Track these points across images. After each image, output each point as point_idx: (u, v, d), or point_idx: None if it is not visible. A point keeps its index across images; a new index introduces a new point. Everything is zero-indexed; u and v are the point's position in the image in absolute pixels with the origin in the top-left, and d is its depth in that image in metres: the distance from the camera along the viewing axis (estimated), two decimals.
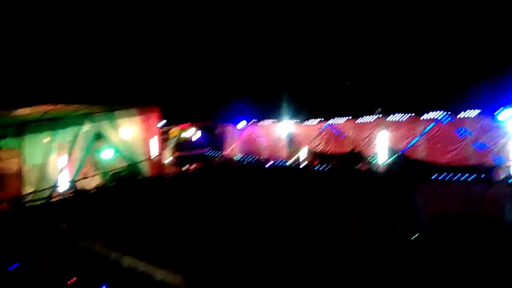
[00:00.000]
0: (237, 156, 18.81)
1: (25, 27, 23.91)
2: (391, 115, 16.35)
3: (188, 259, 6.98)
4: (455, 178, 13.64)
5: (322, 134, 17.89)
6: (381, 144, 16.36)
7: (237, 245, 7.61)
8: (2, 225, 9.46)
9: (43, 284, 7.63)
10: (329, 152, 17.64)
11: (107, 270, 7.57)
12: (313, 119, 18.29)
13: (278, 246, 7.93)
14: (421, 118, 15.59)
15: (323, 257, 8.24)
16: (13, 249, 8.33)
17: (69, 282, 7.38)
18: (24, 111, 14.96)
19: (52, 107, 15.05)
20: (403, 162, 15.48)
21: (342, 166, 15.71)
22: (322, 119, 17.99)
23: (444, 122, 15.00)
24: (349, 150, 16.95)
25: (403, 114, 16.09)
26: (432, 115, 15.38)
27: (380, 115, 16.98)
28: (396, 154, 16.00)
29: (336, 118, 17.64)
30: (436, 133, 15.38)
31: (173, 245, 7.54)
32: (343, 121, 17.48)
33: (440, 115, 15.12)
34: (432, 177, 13.19)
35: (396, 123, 16.19)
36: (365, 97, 21.77)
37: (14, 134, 12.68)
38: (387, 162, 15.99)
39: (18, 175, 12.65)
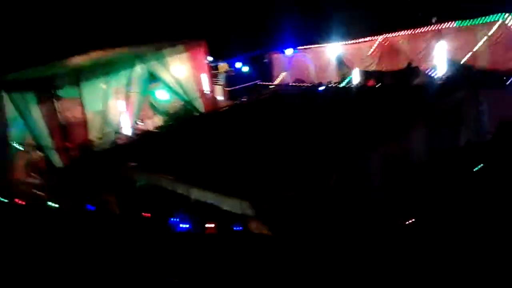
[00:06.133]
0: (288, 84, 18.58)
1: None
2: (448, 23, 15.27)
3: (254, 187, 7.16)
4: None
5: (374, 52, 17.09)
6: (439, 55, 15.46)
7: (301, 175, 7.67)
8: (74, 171, 10.14)
9: (114, 223, 8.15)
10: (383, 70, 16.93)
11: (176, 203, 7.96)
12: (362, 38, 17.43)
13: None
14: (481, 23, 14.44)
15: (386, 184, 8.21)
16: (86, 192, 8.94)
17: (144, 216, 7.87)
18: (77, 59, 15.43)
19: (103, 52, 15.35)
20: (464, 72, 14.62)
21: (399, 83, 15.10)
22: (372, 36, 17.10)
23: (508, 24, 13.81)
24: (405, 65, 16.19)
25: (461, 21, 14.97)
26: (493, 17, 14.19)
27: (436, 24, 15.90)
28: (456, 65, 15.11)
29: (387, 32, 16.69)
30: (499, 37, 14.27)
31: (238, 175, 7.74)
32: (396, 35, 16.53)
33: (502, 17, 13.90)
34: (497, 84, 12.38)
35: (454, 31, 15.12)
36: (416, 6, 20.34)
37: (71, 83, 13.09)
38: (446, 74, 15.18)
39: (82, 123, 13.20)
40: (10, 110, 13.87)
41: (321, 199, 7.43)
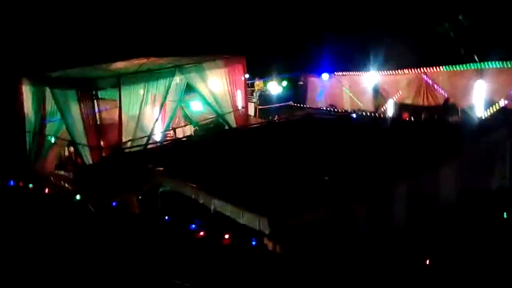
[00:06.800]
0: (321, 108, 18.61)
1: None
2: (489, 63, 15.04)
3: (275, 206, 7.16)
4: None
5: (412, 85, 16.97)
6: (478, 95, 15.20)
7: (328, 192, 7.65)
8: (103, 169, 10.45)
9: (134, 222, 8.29)
10: (419, 104, 16.74)
11: (197, 211, 8.05)
12: (401, 69, 17.33)
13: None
14: None
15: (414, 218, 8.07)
16: (113, 189, 9.17)
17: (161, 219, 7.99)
18: (120, 65, 15.94)
19: (145, 60, 15.83)
20: (502, 114, 14.31)
21: (434, 118, 14.89)
22: (412, 69, 16.99)
23: None
24: (443, 101, 15.98)
25: (502, 62, 14.72)
26: None
27: (477, 63, 15.69)
28: (496, 106, 14.81)
29: (427, 67, 16.55)
30: None
31: (261, 191, 7.77)
32: (436, 70, 16.38)
33: None
34: None
35: (495, 71, 14.88)
36: (459, 43, 20.13)
37: (113, 86, 13.53)
38: (484, 114, 14.88)
39: (117, 125, 13.59)
40: (50, 105, 14.45)
41: (342, 226, 7.38)
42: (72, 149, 14.59)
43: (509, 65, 14.62)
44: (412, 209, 8.14)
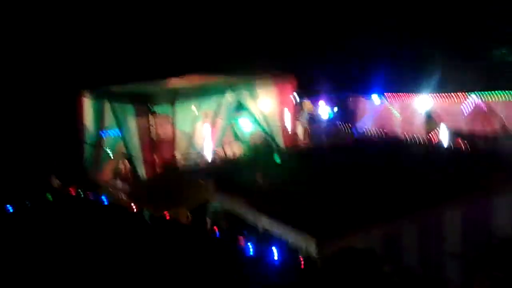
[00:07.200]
0: (371, 131, 18.36)
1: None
2: None
3: (322, 224, 7.20)
4: None
5: (468, 111, 16.46)
6: None
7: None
8: (159, 183, 10.86)
9: (184, 233, 8.54)
10: (474, 131, 16.20)
11: (244, 226, 8.21)
12: (457, 93, 16.86)
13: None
14: None
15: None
16: (167, 203, 9.52)
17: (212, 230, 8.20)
18: (175, 81, 16.57)
19: (198, 77, 16.35)
20: None
21: (489, 146, 14.39)
22: (467, 93, 16.50)
23: None
24: (498, 129, 15.41)
25: None
26: None
27: None
28: None
29: (484, 92, 16.03)
30: None
31: (310, 212, 7.84)
32: (495, 96, 15.83)
33: None
34: None
35: None
36: None
37: (167, 101, 14.02)
38: None
39: (171, 141, 14.02)
40: (108, 119, 15.19)
41: (390, 252, 7.29)
42: (127, 163, 15.18)
43: None
44: (466, 237, 7.90)
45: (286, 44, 25.40)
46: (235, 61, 21.77)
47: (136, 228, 8.63)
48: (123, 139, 14.80)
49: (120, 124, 14.74)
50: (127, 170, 14.98)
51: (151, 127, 13.69)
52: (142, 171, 13.77)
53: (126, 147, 14.69)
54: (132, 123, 14.23)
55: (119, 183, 14.29)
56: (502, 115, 15.45)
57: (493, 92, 15.85)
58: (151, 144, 13.78)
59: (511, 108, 15.36)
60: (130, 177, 14.39)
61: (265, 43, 25.34)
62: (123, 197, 12.37)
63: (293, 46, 25.38)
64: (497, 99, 15.75)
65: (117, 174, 15.31)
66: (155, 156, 13.71)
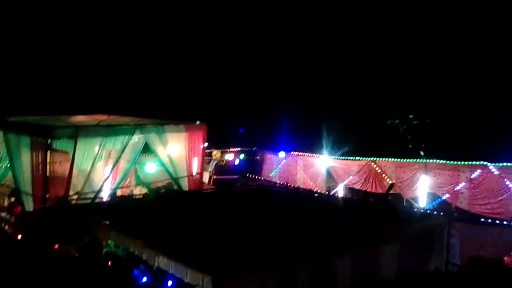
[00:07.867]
0: (275, 182, 19.09)
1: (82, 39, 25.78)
2: (434, 160, 16.17)
3: (219, 265, 7.12)
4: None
5: (362, 172, 17.82)
6: (422, 187, 16.11)
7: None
8: (47, 216, 10.08)
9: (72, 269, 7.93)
10: (368, 190, 17.50)
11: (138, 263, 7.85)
12: (354, 157, 18.31)
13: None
14: (466, 163, 15.33)
15: None
16: (54, 236, 8.83)
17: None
18: (79, 118, 15.88)
19: (106, 117, 15.86)
20: (442, 206, 15.21)
21: (381, 203, 15.60)
22: (363, 157, 17.97)
23: (492, 170, 14.64)
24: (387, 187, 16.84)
25: (445, 162, 15.86)
26: (477, 162, 15.10)
27: (423, 159, 16.83)
28: (437, 199, 15.75)
29: (377, 157, 17.57)
30: (480, 182, 15.04)
31: (206, 251, 7.73)
32: (385, 160, 17.38)
33: (487, 163, 14.79)
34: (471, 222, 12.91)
35: (439, 167, 15.95)
36: (408, 138, 21.74)
37: (69, 137, 13.25)
38: (427, 206, 15.74)
39: (67, 178, 13.13)
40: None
41: None
42: (13, 198, 13.92)
43: (451, 163, 15.76)
44: (354, 282, 8.27)
45: (203, 96, 26.00)
46: (148, 106, 21.68)
47: (21, 256, 7.85)
48: (13, 173, 13.69)
49: (12, 157, 13.67)
50: (13, 204, 13.68)
51: (46, 163, 12.79)
52: (30, 207, 12.72)
53: (16, 181, 13.57)
54: (26, 157, 13.26)
55: (4, 215, 12.91)
56: (392, 179, 16.92)
57: (385, 157, 17.44)
58: (44, 180, 12.83)
59: (400, 173, 16.91)
60: (17, 209, 13.14)
61: (179, 91, 25.70)
62: (8, 228, 11.19)
63: (210, 98, 26.01)
64: (388, 163, 17.31)
65: (3, 207, 13.89)
66: (46, 193, 12.73)
